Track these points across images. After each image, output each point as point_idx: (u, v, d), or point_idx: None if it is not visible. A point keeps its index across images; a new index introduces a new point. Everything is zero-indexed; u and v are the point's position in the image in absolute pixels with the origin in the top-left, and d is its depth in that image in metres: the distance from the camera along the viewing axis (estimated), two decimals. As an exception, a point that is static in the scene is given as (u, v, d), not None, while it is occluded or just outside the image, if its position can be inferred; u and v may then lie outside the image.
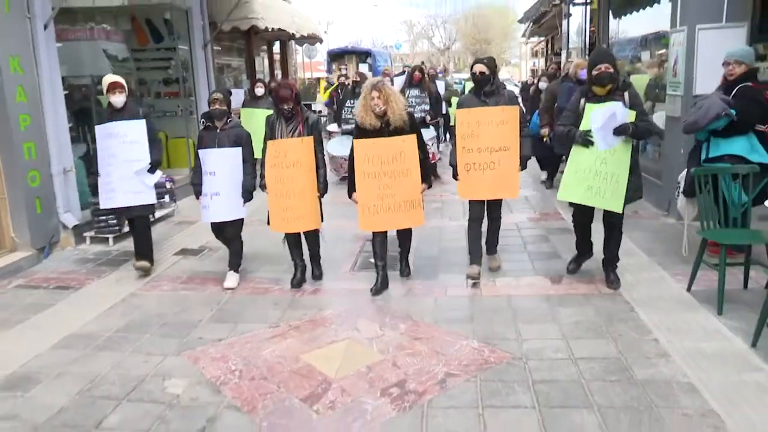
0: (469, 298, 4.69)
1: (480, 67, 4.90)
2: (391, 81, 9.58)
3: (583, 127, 4.45)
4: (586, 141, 4.39)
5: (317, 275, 5.25)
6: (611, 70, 4.28)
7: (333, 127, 10.75)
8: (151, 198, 5.45)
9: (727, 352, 3.59)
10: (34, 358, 3.92)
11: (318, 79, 19.58)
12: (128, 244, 6.55)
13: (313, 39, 14.76)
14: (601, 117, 4.31)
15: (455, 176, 5.07)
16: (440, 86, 10.74)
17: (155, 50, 9.91)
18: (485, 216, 5.11)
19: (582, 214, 4.78)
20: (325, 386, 3.45)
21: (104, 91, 5.32)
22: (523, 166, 4.94)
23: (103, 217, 6.47)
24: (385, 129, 4.69)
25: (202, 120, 5.10)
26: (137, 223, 5.56)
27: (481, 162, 4.82)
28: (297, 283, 5.07)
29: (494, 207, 5.18)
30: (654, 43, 8.38)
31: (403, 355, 3.79)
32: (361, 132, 4.78)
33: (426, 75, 9.57)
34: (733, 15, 6.01)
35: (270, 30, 11.43)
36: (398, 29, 58.47)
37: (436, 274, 5.27)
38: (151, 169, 5.41)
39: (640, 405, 3.10)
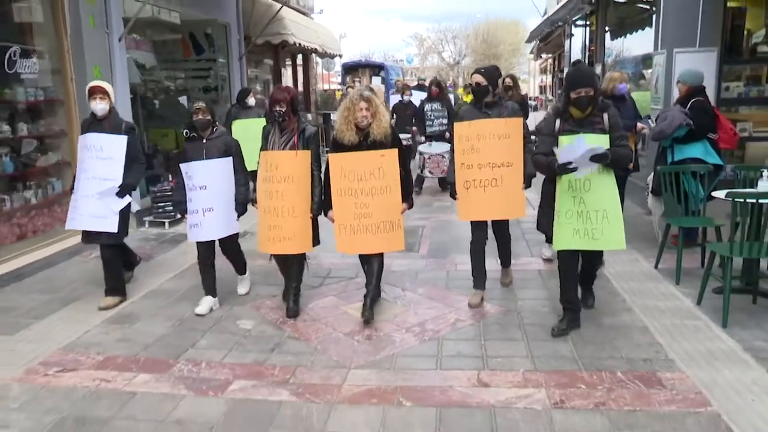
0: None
1: (477, 78, 4.61)
2: (410, 93, 10.56)
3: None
4: (567, 170, 3.92)
5: (292, 312, 4.62)
6: (591, 93, 3.91)
7: None
8: (112, 225, 4.76)
9: (676, 308, 4.57)
10: (129, 305, 4.95)
11: (334, 91, 20.73)
12: (182, 228, 7.61)
13: (333, 53, 15.90)
14: (570, 154, 3.89)
15: (453, 195, 4.77)
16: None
17: (196, 61, 11.02)
18: (488, 236, 4.86)
19: (567, 260, 4.22)
20: (361, 326, 4.44)
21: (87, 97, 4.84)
22: (527, 184, 4.64)
23: (161, 204, 7.52)
24: (363, 143, 4.35)
25: (185, 131, 4.74)
26: (103, 253, 4.92)
27: (481, 179, 4.52)
28: (293, 313, 4.63)
29: (500, 227, 4.86)
30: (644, 63, 9.40)
31: (422, 308, 4.79)
32: (337, 146, 4.43)
33: (444, 89, 10.00)
34: (705, 41, 7.02)
35: (297, 45, 12.55)
36: (408, 43, 59.75)
37: (448, 254, 6.27)
38: (121, 193, 4.81)
39: (604, 339, 4.08)
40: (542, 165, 4.16)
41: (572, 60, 4.87)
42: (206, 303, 4.78)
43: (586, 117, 4.01)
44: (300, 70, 17.30)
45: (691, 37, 7.07)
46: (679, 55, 7.12)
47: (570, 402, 3.29)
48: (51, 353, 4.05)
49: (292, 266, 4.73)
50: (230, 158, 4.73)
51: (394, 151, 4.35)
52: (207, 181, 4.65)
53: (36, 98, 6.38)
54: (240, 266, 5.17)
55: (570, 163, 3.90)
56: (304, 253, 4.73)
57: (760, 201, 4.20)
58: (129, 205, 4.93)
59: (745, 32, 7.43)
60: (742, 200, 4.11)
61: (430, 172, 9.47)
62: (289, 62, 16.26)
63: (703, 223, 5.27)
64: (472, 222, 4.79)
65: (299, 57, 16.82)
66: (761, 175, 4.62)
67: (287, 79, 15.85)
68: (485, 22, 54.10)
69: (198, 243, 4.78)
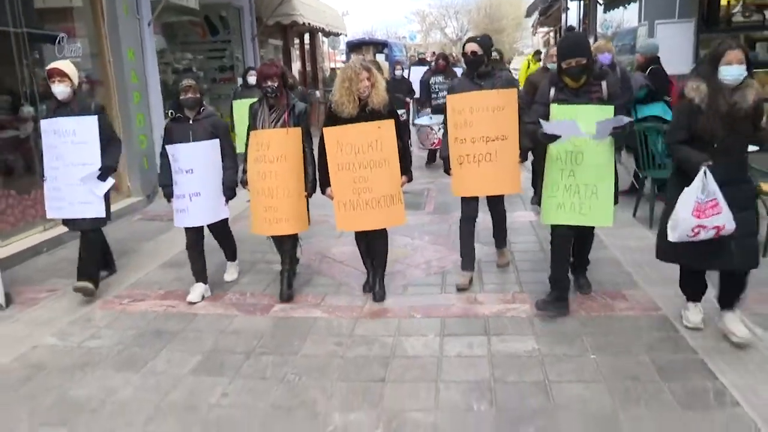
0: (477, 223, 6.43)
1: (472, 46, 4.45)
2: (409, 69, 11.17)
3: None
4: (550, 138, 3.76)
5: (286, 295, 4.51)
6: (584, 62, 3.74)
7: None
8: (99, 210, 4.66)
9: (646, 246, 5.22)
10: (177, 254, 5.75)
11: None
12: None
13: (338, 32, 16.55)
14: (557, 129, 3.72)
15: (447, 170, 4.71)
16: (458, 73, 11.90)
17: (212, 42, 11.72)
18: (479, 212, 4.76)
19: (557, 237, 4.11)
20: (378, 265, 5.23)
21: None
22: (524, 157, 4.52)
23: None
24: (361, 114, 4.20)
25: (170, 111, 4.55)
26: (85, 238, 4.75)
27: (475, 153, 4.36)
28: (287, 297, 4.53)
29: (495, 202, 4.76)
30: (634, 35, 10.05)
31: (428, 252, 5.59)
32: (333, 119, 4.26)
33: (450, 63, 10.18)
34: (683, 12, 7.70)
35: (305, 24, 13.21)
36: (411, 20, 59.94)
37: (451, 211, 7.02)
38: (102, 176, 4.64)
39: (582, 269, 4.86)
40: (529, 133, 4.03)
41: (566, 27, 4.46)
42: (197, 290, 4.66)
43: (581, 86, 3.85)
44: (307, 48, 17.94)
45: (671, 8, 7.74)
46: (659, 26, 7.79)
47: (549, 312, 4.07)
48: (121, 290, 4.88)
49: (287, 247, 4.61)
50: (217, 140, 4.55)
51: (391, 122, 4.19)
52: (193, 164, 4.46)
53: (80, 79, 7.11)
54: (230, 252, 5.07)
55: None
56: (297, 236, 4.63)
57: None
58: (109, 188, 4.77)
59: (721, 3, 8.06)
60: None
61: (421, 143, 10.12)
62: (297, 41, 16.90)
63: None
64: (462, 197, 4.68)
65: (306, 36, 17.45)
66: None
67: (296, 58, 16.51)
68: (487, -3, 54.09)
69: (186, 229, 4.64)
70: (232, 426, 3.01)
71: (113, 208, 7.04)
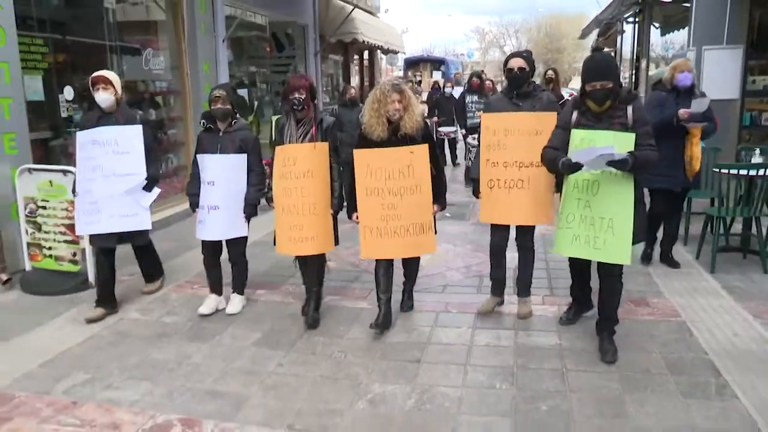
0: (515, 234, 6.82)
1: (519, 62, 4.14)
2: (452, 86, 11.43)
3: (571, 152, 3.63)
4: (571, 167, 3.54)
5: (312, 321, 4.34)
6: (609, 85, 3.52)
7: None
8: (145, 222, 4.63)
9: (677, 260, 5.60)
10: (240, 249, 6.36)
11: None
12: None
13: (396, 50, 17.21)
14: (585, 155, 3.45)
15: (476, 193, 4.44)
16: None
17: (278, 57, 12.51)
18: (509, 242, 4.52)
19: (574, 264, 4.17)
20: (420, 268, 5.68)
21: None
22: (560, 188, 4.04)
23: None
24: (392, 137, 4.04)
25: (202, 121, 4.37)
26: (138, 252, 5.02)
27: (506, 179, 4.15)
28: (312, 321, 4.34)
29: (524, 234, 4.40)
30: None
31: (468, 258, 6.01)
32: (364, 142, 4.11)
33: (485, 81, 10.03)
34: (732, 38, 7.87)
35: (365, 42, 13.88)
36: (470, 37, 60.32)
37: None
38: (148, 187, 4.59)
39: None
40: (548, 160, 3.77)
41: (592, 47, 3.87)
42: (210, 302, 4.69)
43: (605, 111, 3.64)
44: (366, 64, 18.66)
45: (719, 34, 7.93)
46: (707, 52, 7.99)
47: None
48: (191, 277, 5.52)
49: (312, 269, 4.48)
50: (244, 155, 4.44)
51: (425, 147, 4.04)
52: (216, 176, 4.40)
53: (161, 89, 7.92)
54: (239, 282, 4.77)
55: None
56: (324, 255, 4.54)
57: (746, 172, 5.18)
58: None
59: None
60: (718, 170, 5.21)
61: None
62: (356, 57, 17.63)
63: (709, 195, 6.26)
64: (492, 224, 4.48)
65: (365, 53, 18.17)
66: (753, 154, 5.59)
67: (354, 73, 17.23)
68: (548, 16, 54.06)
69: (203, 241, 4.60)
70: (286, 388, 3.51)
71: (176, 210, 7.86)
